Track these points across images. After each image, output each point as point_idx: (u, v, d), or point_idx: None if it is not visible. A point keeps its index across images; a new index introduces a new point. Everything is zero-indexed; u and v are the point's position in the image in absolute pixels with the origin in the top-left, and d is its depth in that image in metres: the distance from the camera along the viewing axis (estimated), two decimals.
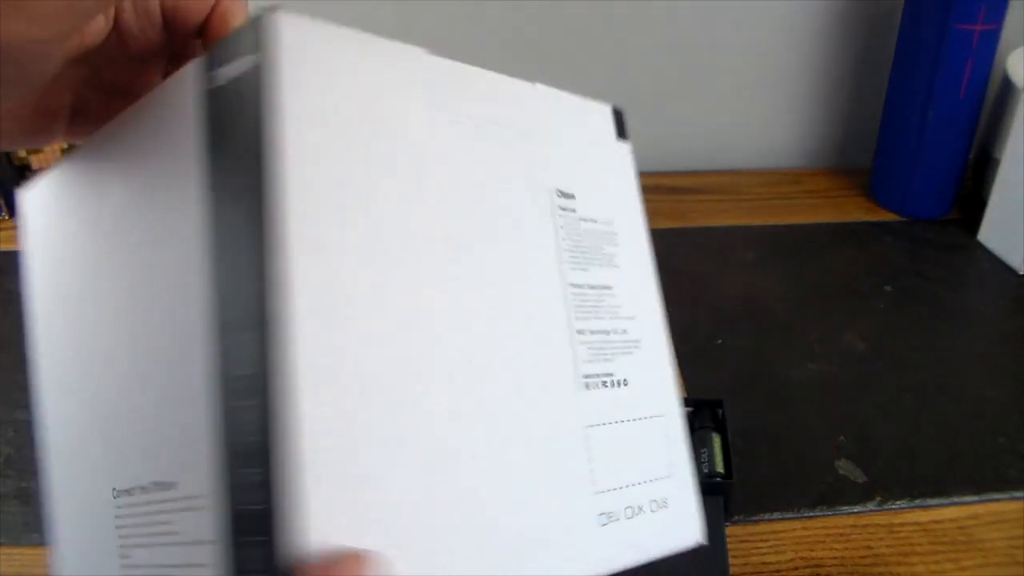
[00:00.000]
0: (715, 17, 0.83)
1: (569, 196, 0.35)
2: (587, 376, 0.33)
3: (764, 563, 0.52)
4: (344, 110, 0.28)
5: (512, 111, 0.34)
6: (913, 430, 0.61)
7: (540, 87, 0.35)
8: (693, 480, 0.36)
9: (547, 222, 0.34)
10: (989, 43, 0.73)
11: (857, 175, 0.88)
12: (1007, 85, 0.76)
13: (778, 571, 0.52)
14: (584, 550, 0.31)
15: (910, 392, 0.64)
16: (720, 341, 0.68)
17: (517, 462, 0.30)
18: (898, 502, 0.56)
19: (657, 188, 0.84)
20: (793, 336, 0.69)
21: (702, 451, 0.55)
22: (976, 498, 0.57)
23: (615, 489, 0.33)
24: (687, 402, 0.59)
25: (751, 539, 0.54)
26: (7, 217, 0.74)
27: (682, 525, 0.34)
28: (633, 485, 0.33)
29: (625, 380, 0.35)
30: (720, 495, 0.53)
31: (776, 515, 0.55)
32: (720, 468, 0.54)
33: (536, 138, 0.34)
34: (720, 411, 0.57)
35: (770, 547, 0.53)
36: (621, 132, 0.39)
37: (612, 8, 0.82)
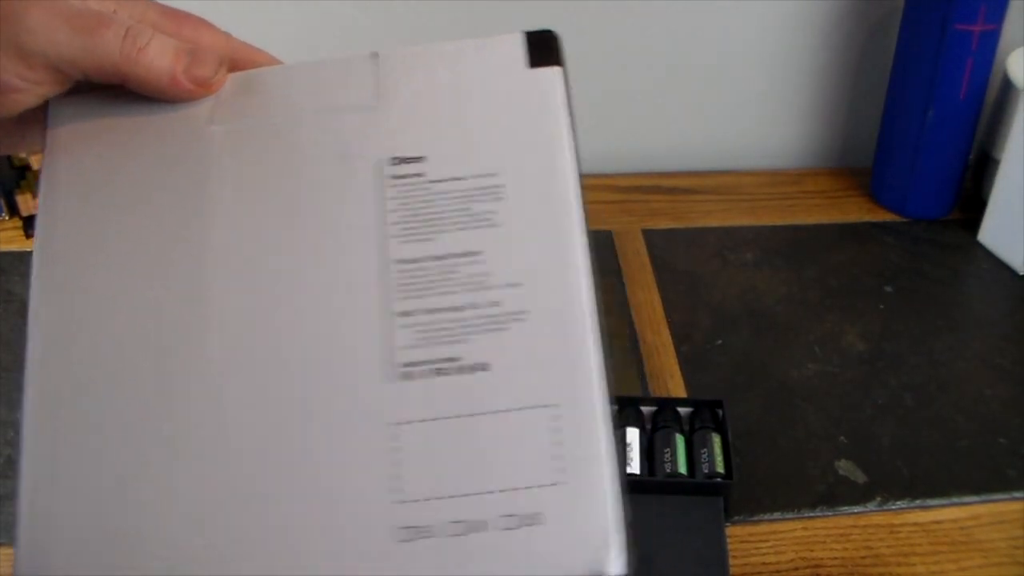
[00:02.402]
0: (715, 18, 0.83)
1: (413, 160, 0.32)
2: (408, 364, 0.29)
3: (764, 563, 0.52)
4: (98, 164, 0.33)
5: (328, 94, 0.34)
6: (913, 430, 0.61)
7: (382, 55, 0.34)
8: (609, 488, 0.28)
9: (368, 197, 0.32)
10: (989, 43, 0.73)
11: (857, 175, 0.88)
12: (1007, 85, 0.76)
13: (778, 571, 0.52)
14: (377, 569, 0.27)
15: (910, 392, 0.64)
16: (720, 341, 0.68)
17: (308, 467, 0.28)
18: (898, 502, 0.56)
19: (657, 188, 0.84)
20: (793, 336, 0.69)
21: (702, 451, 0.55)
22: (976, 498, 0.57)
23: (432, 499, 0.28)
24: (687, 402, 0.59)
25: (751, 539, 0.54)
26: (7, 217, 0.74)
27: (571, 546, 0.27)
28: (470, 494, 0.28)
29: (484, 364, 0.29)
30: (720, 495, 0.53)
31: (776, 515, 0.55)
32: (720, 468, 0.54)
33: (362, 111, 0.33)
34: (720, 411, 0.57)
35: (770, 547, 0.53)
36: (542, 59, 0.34)
37: (611, 8, 0.82)
